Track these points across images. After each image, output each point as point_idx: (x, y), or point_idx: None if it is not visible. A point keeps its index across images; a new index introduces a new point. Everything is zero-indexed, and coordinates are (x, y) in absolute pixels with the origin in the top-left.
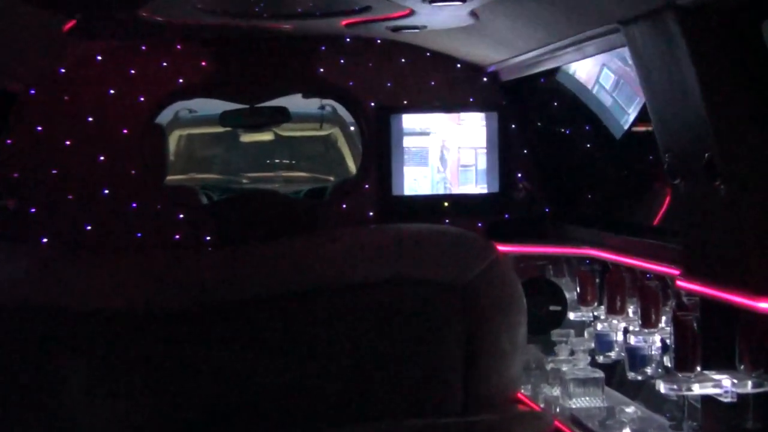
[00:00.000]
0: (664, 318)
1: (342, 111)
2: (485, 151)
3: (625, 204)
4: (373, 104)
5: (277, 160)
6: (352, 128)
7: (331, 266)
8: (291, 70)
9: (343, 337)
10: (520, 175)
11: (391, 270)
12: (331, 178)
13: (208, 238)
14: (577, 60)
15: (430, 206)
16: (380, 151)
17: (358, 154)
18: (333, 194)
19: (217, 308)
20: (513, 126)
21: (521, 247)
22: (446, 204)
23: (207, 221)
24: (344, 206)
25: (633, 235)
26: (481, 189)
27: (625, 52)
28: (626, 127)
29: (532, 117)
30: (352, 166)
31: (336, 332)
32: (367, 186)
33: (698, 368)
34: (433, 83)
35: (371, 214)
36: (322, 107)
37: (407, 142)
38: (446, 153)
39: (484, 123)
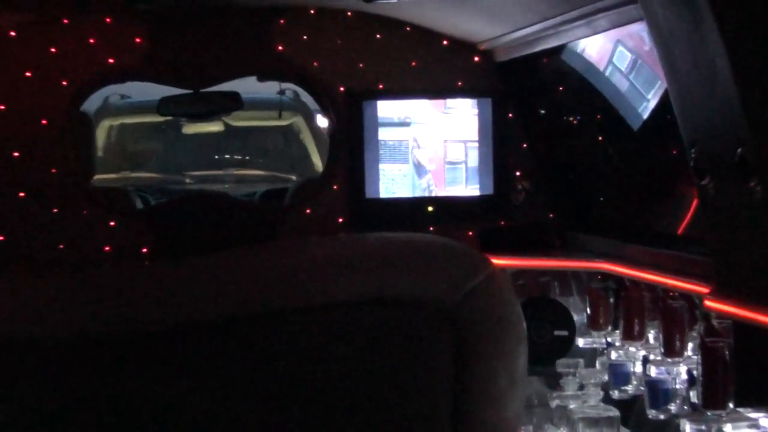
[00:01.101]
0: (690, 345)
1: (306, 97)
2: (477, 145)
3: (645, 208)
4: (342, 89)
5: (227, 156)
6: (318, 117)
7: (292, 284)
8: (244, 47)
9: (307, 370)
10: (518, 173)
11: (363, 288)
12: (293, 177)
13: (145, 250)
14: (587, 36)
15: (411, 211)
16: (351, 144)
17: (325, 148)
18: (295, 197)
19: (154, 335)
20: (510, 115)
21: (520, 260)
22: (430, 208)
23: (143, 230)
24: (308, 211)
25: (654, 246)
26: (473, 190)
27: (644, 26)
28: (645, 116)
29: (533, 104)
30: (318, 163)
31: (298, 365)
32: (335, 187)
33: (731, 405)
34: (414, 64)
35: (340, 220)
36: (282, 92)
37: (383, 134)
38: (430, 147)
39: (475, 111)
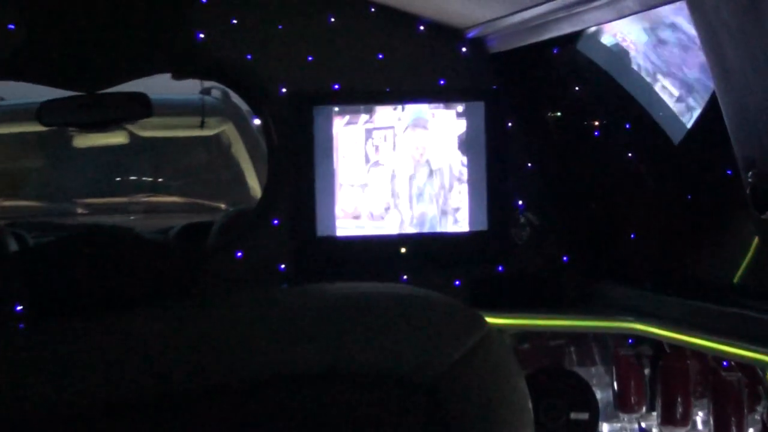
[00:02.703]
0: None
1: (238, 99)
2: (465, 164)
3: (688, 249)
4: (284, 89)
5: (133, 178)
6: (255, 123)
7: (221, 355)
8: (153, 36)
9: None
10: (521, 203)
11: (318, 359)
12: (221, 207)
13: (20, 307)
14: (610, 21)
15: (378, 254)
16: (298, 164)
17: (264, 167)
18: (223, 233)
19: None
20: (510, 124)
21: (525, 319)
22: (404, 250)
23: (17, 279)
24: (240, 254)
25: (701, 300)
26: (460, 226)
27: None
28: (690, 125)
29: (541, 110)
30: (256, 187)
31: None
32: (276, 221)
33: None
34: (381, 56)
35: (283, 267)
36: (206, 92)
37: (341, 149)
38: (404, 169)
39: (463, 120)
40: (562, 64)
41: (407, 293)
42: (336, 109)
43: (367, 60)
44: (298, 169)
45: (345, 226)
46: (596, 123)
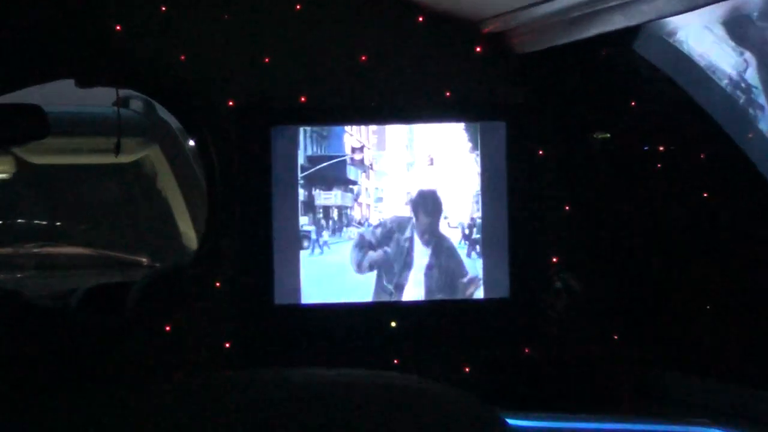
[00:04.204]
0: None
1: (168, 113)
2: (479, 204)
3: None
4: (232, 102)
5: (21, 221)
6: (191, 146)
7: None
8: (52, 28)
9: None
10: (555, 260)
11: None
12: (143, 261)
13: None
14: (678, 12)
15: (358, 330)
16: (249, 205)
17: (203, 208)
18: (146, 299)
19: None
20: (540, 152)
21: (560, 421)
22: (394, 324)
23: None
24: (168, 329)
25: None
26: (472, 291)
27: None
28: None
29: (583, 132)
30: (190, 234)
31: None
32: (218, 284)
33: None
34: (363, 59)
35: (227, 346)
36: (123, 104)
37: (310, 187)
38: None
39: (476, 146)
40: (613, 70)
41: (404, 385)
42: (306, 129)
43: (346, 63)
44: (250, 211)
45: (313, 292)
46: (660, 149)
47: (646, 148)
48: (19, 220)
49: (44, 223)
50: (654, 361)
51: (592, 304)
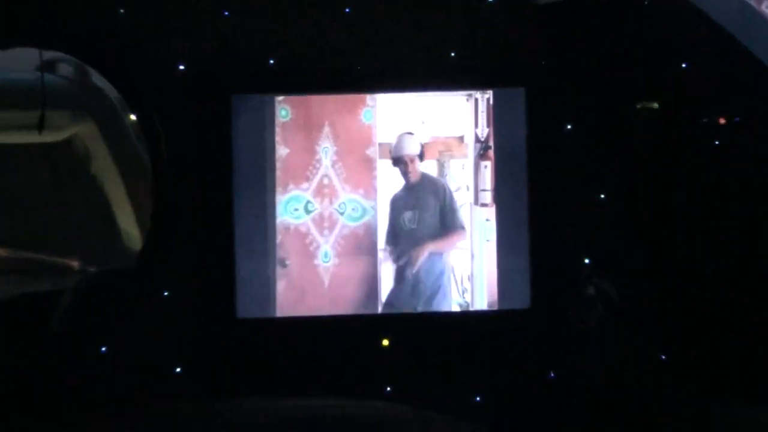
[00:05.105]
0: None
1: (104, 80)
2: (490, 196)
3: None
4: (183, 66)
5: None
6: (134, 121)
7: None
8: None
9: None
10: (588, 261)
11: None
12: (74, 265)
13: None
14: None
15: (341, 348)
16: (205, 194)
17: (148, 198)
18: (77, 312)
19: None
20: (568, 126)
21: None
22: (386, 342)
23: None
24: (104, 349)
25: None
26: (484, 303)
27: None
28: None
29: (622, 100)
30: (133, 232)
31: None
32: (167, 292)
33: None
34: (348, 11)
35: (179, 370)
36: (49, 68)
37: (282, 171)
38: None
39: (484, 122)
40: (659, 22)
41: (406, 417)
42: (279, 98)
43: (323, 19)
44: (206, 201)
45: (286, 302)
46: (720, 121)
47: (704, 120)
48: None
49: None
50: (712, 388)
51: (632, 316)
